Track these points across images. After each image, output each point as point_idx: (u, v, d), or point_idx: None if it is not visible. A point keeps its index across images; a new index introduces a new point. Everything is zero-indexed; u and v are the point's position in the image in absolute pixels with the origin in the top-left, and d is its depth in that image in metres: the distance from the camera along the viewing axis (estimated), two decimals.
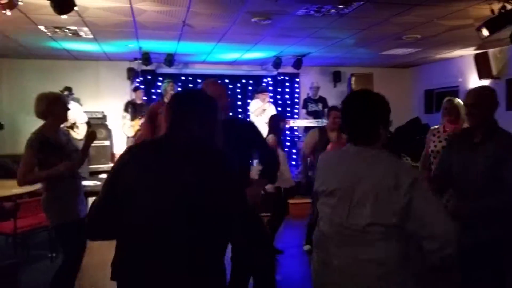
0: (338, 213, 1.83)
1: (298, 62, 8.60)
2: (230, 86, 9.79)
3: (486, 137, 2.54)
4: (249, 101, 9.25)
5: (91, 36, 6.71)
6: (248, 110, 8.89)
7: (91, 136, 3.46)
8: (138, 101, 8.37)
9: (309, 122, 8.48)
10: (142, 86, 9.24)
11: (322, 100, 8.85)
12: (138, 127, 8.30)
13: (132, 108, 8.26)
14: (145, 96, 8.95)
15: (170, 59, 8.41)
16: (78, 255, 3.27)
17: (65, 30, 6.29)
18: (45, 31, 6.27)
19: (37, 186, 4.74)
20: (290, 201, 5.63)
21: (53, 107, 3.20)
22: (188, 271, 1.62)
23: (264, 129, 8.13)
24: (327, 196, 1.92)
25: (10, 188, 4.81)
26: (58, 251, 4.74)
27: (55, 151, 3.13)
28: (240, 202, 1.80)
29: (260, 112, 8.23)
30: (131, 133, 8.19)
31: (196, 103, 1.80)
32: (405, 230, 1.73)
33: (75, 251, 3.22)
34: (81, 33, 6.46)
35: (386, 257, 1.74)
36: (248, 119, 8.10)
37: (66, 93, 7.75)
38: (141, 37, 6.89)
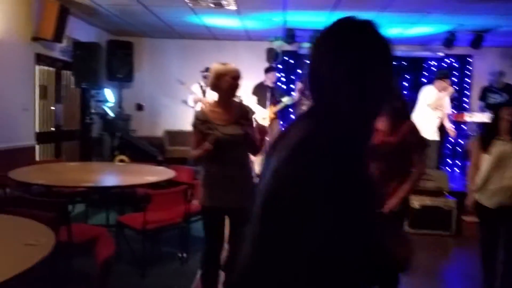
0: None
1: (477, 40, 6.84)
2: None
3: None
4: None
5: (235, 8, 5.93)
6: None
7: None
8: (270, 84, 7.24)
9: (489, 117, 6.66)
10: (280, 67, 8.32)
11: (509, 89, 6.92)
12: (273, 115, 7.33)
13: (263, 92, 7.22)
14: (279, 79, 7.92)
15: None
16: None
17: (208, 0, 5.60)
18: (187, 1, 5.64)
19: (171, 174, 4.12)
20: None
21: (218, 81, 2.86)
22: None
23: (432, 129, 6.53)
24: None
25: (144, 175, 4.19)
26: (188, 251, 4.08)
27: (211, 129, 2.83)
28: None
29: (437, 104, 6.40)
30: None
31: None
32: None
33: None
34: (224, 2, 5.71)
35: None
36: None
37: (206, 73, 7.10)
38: (289, 7, 5.91)
